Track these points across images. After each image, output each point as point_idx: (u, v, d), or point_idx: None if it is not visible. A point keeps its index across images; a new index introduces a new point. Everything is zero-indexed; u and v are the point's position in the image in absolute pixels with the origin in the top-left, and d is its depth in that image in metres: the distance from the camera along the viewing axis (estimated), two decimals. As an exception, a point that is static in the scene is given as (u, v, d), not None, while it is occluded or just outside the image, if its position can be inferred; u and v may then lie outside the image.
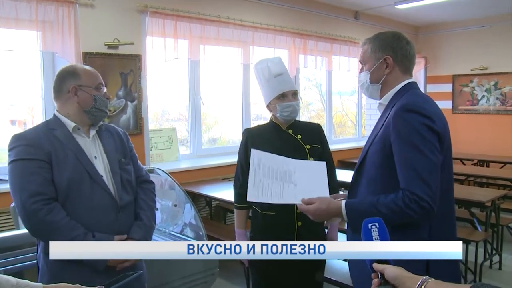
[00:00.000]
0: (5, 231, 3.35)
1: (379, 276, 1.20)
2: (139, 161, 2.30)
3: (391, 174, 1.72)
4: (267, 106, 2.53)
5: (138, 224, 2.09)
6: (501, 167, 6.73)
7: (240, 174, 2.57)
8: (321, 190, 1.96)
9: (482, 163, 7.01)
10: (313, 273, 2.55)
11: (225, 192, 4.28)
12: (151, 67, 4.58)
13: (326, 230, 2.65)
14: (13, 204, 3.27)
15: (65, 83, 2.05)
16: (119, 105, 4.33)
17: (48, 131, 1.99)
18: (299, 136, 2.49)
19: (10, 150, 1.94)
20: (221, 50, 5.13)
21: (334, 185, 2.46)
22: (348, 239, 1.98)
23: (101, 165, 2.04)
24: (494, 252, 4.59)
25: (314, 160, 2.45)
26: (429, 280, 1.10)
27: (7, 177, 3.77)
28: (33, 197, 1.84)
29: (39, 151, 1.91)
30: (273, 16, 5.65)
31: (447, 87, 7.93)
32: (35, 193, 1.85)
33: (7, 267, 2.30)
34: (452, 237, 1.82)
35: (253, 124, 5.74)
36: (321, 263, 2.63)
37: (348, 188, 2.00)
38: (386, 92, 1.89)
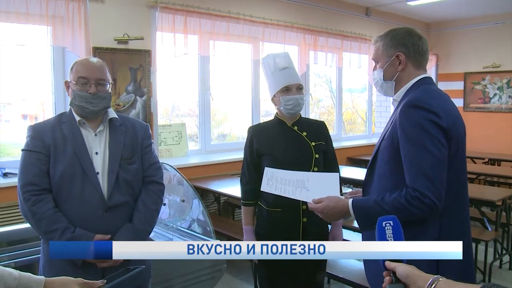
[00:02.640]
0: (14, 224, 3.37)
1: (391, 274, 1.20)
2: (155, 160, 2.24)
3: (400, 170, 1.71)
4: (272, 99, 2.55)
5: (127, 227, 2.05)
6: (512, 166, 6.67)
7: (246, 171, 2.58)
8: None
9: (493, 161, 6.94)
10: (317, 267, 2.58)
11: (234, 188, 4.28)
12: (160, 63, 4.58)
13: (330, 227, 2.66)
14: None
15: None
16: (128, 100, 4.34)
17: (57, 124, 2.06)
18: (304, 133, 2.50)
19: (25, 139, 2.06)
20: (231, 45, 5.12)
21: None
22: (363, 237, 1.98)
23: (101, 161, 2.05)
24: (504, 252, 4.54)
25: (319, 157, 2.48)
26: (440, 279, 1.10)
27: (17, 171, 3.84)
28: (25, 187, 1.95)
29: (40, 143, 2.00)
30: (283, 12, 5.63)
31: (459, 85, 7.85)
32: (28, 183, 1.96)
33: (15, 260, 2.32)
34: (465, 236, 1.79)
35: (262, 120, 5.74)
36: (323, 262, 2.66)
37: (357, 185, 2.01)
38: (400, 89, 1.88)
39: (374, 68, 1.96)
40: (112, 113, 2.14)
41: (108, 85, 2.11)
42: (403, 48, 1.84)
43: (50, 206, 1.95)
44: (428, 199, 1.60)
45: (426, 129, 1.64)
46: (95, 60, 2.13)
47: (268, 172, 2.17)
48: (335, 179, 2.09)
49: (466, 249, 1.79)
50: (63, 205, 1.98)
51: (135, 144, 2.15)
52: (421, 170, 1.63)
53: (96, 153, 2.05)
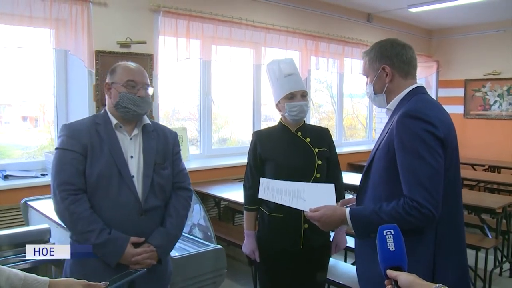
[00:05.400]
0: (15, 227, 3.37)
1: (393, 283, 1.20)
2: (183, 167, 2.29)
3: (395, 179, 1.72)
4: (276, 105, 2.55)
5: (160, 231, 2.10)
6: (512, 174, 6.67)
7: (249, 176, 2.58)
8: None
9: (493, 169, 6.94)
10: (317, 272, 2.58)
11: (234, 193, 4.28)
12: (163, 67, 4.58)
13: (333, 234, 2.65)
14: (23, 200, 3.30)
15: (105, 80, 2.14)
16: (130, 104, 4.33)
17: (93, 125, 2.08)
18: (308, 139, 2.50)
19: (58, 138, 2.08)
20: (233, 50, 5.14)
21: (339, 189, 2.50)
22: (356, 245, 1.98)
23: (135, 165, 2.08)
24: (504, 259, 4.54)
25: (322, 163, 2.47)
26: (442, 287, 1.10)
27: (18, 174, 3.83)
28: (62, 186, 1.96)
29: (77, 143, 2.01)
30: (285, 18, 5.64)
31: (459, 92, 7.87)
32: (64, 183, 1.96)
33: (19, 263, 2.31)
34: (460, 244, 1.81)
35: (263, 125, 5.75)
36: (325, 263, 2.65)
37: (357, 191, 2.01)
38: (392, 99, 1.89)
39: (366, 83, 1.98)
40: (146, 119, 2.18)
41: (150, 90, 2.16)
42: (387, 60, 1.86)
43: (87, 206, 1.97)
44: (426, 209, 1.61)
45: (423, 139, 1.65)
46: (137, 65, 2.18)
47: (264, 182, 2.20)
48: (330, 190, 2.10)
49: (461, 256, 1.81)
50: (98, 206, 2.00)
51: (167, 151, 2.19)
52: (419, 180, 1.63)
53: (131, 156, 2.08)
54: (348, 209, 1.81)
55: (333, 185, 2.15)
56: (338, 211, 1.84)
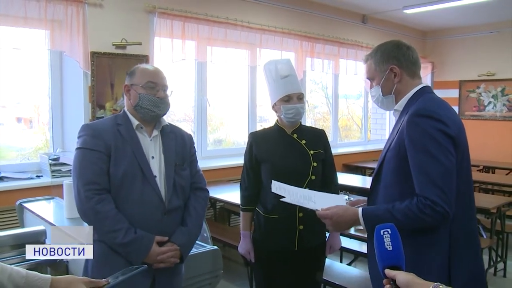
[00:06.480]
0: (10, 228, 3.35)
1: (391, 282, 1.21)
2: (199, 169, 2.33)
3: (406, 179, 1.71)
4: (273, 106, 2.55)
5: (182, 230, 2.13)
6: (507, 174, 6.70)
7: (245, 177, 2.59)
8: None
9: (487, 169, 6.97)
10: (313, 273, 2.58)
11: (230, 194, 4.29)
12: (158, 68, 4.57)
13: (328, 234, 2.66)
14: (18, 202, 3.29)
15: (124, 82, 2.17)
16: (126, 105, 4.33)
17: (114, 125, 2.09)
18: (304, 141, 2.50)
19: (78, 138, 2.08)
20: (228, 51, 5.14)
21: (334, 190, 2.50)
22: (368, 246, 1.97)
23: (157, 165, 2.10)
24: (498, 259, 4.56)
25: (317, 165, 2.48)
26: (440, 286, 1.11)
27: (13, 175, 3.81)
28: (88, 185, 1.97)
29: (101, 142, 2.02)
30: (280, 19, 5.65)
31: (454, 93, 7.90)
32: (89, 182, 1.97)
33: (17, 264, 2.30)
34: (474, 243, 1.80)
35: (258, 126, 5.75)
36: (321, 264, 2.65)
37: (352, 191, 2.01)
38: (400, 100, 1.89)
39: (371, 86, 1.97)
40: (164, 121, 2.20)
41: (169, 91, 2.19)
42: (395, 60, 1.86)
43: (113, 205, 1.99)
44: (440, 207, 1.60)
45: (435, 138, 1.65)
46: (155, 67, 2.23)
47: (275, 184, 2.20)
48: (341, 201, 2.07)
49: (476, 255, 1.80)
50: (123, 206, 2.01)
51: (185, 152, 2.23)
52: (431, 179, 1.63)
53: (152, 157, 2.10)
54: (360, 209, 1.80)
55: (344, 196, 2.14)
56: (350, 211, 1.83)
